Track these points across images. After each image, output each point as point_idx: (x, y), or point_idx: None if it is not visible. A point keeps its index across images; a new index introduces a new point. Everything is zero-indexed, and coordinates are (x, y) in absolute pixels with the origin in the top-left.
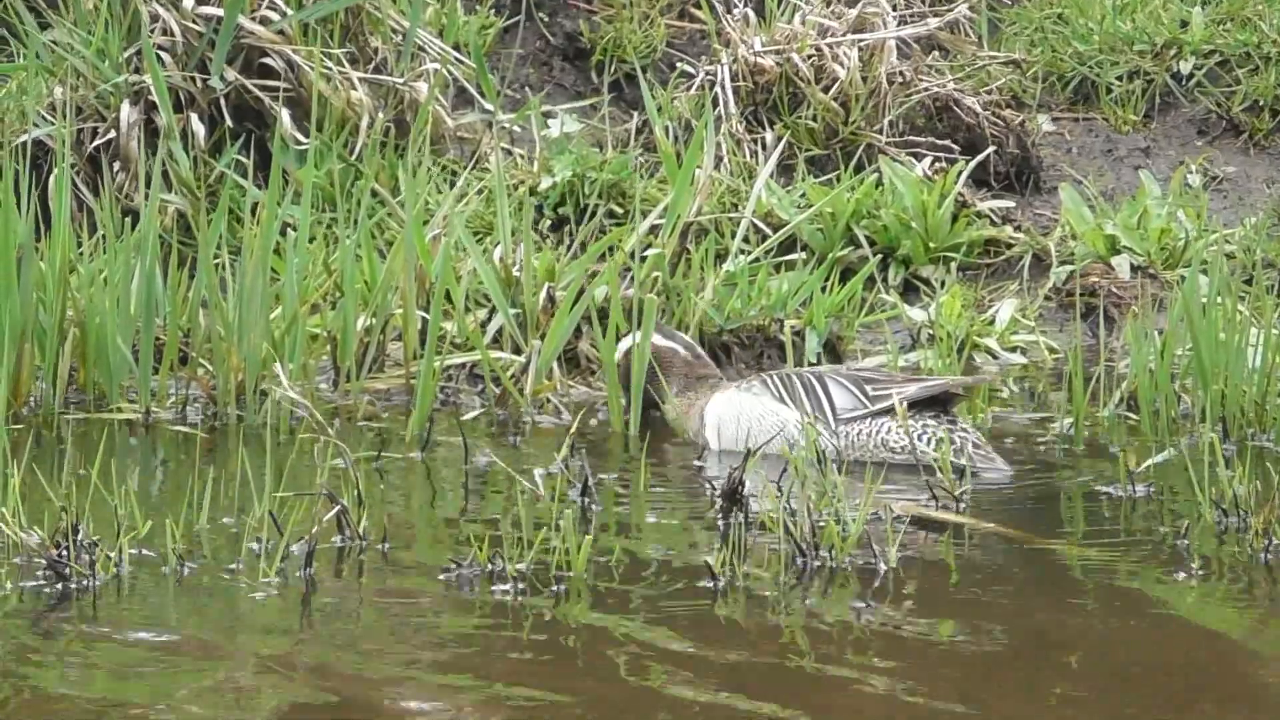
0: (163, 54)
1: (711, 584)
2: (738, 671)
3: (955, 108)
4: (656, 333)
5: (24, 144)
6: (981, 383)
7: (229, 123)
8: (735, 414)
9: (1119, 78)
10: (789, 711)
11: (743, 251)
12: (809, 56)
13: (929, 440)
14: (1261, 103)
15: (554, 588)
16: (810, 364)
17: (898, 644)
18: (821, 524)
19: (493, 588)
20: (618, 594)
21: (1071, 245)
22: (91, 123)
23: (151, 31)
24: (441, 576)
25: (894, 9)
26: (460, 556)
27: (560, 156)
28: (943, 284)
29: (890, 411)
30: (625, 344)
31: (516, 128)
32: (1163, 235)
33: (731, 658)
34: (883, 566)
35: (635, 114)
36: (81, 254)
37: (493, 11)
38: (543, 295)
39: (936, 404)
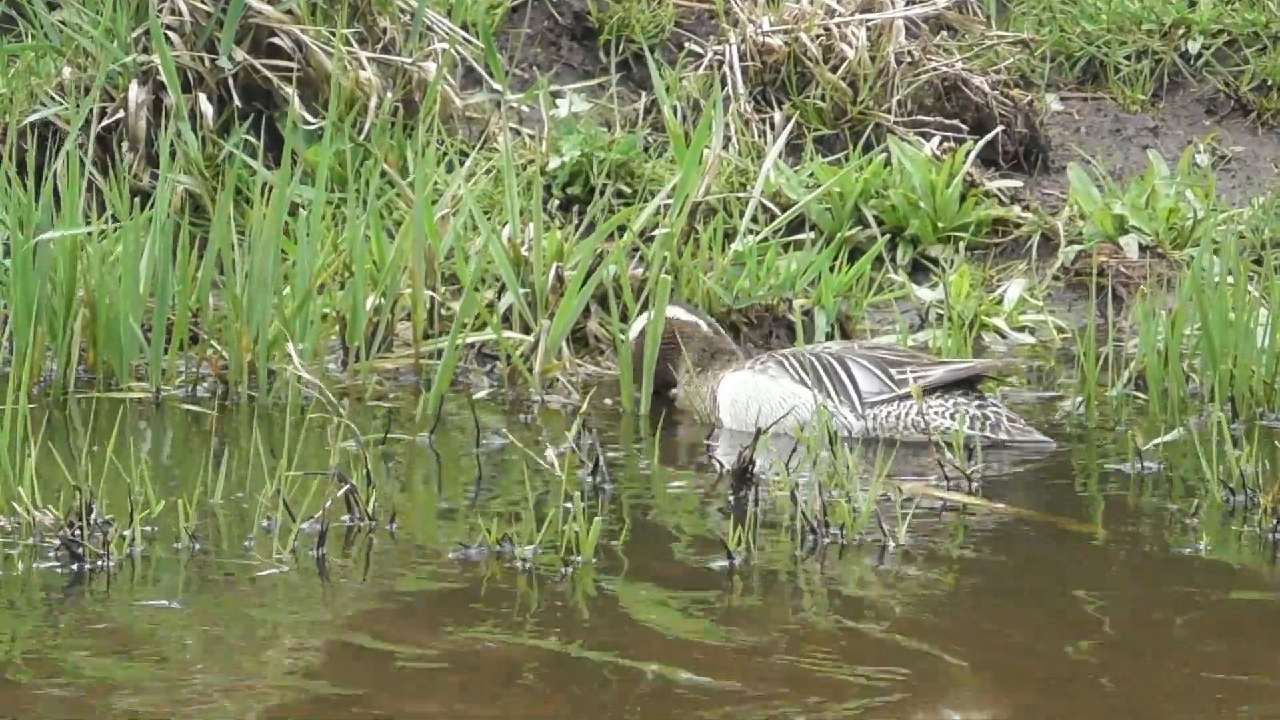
0: (171, 34)
1: (725, 563)
2: (752, 650)
3: (963, 87)
4: (679, 307)
5: (33, 124)
6: (1010, 365)
7: (237, 103)
8: (751, 395)
9: (1127, 57)
10: (802, 687)
11: (751, 231)
12: (817, 36)
13: (964, 419)
14: (1270, 82)
15: (563, 569)
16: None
17: (907, 621)
18: (831, 501)
19: (502, 568)
20: (629, 574)
21: (1080, 225)
22: (100, 103)
23: (159, 11)
24: (450, 556)
25: None
26: (469, 538)
27: (568, 136)
28: (951, 264)
29: (921, 393)
30: (639, 324)
31: (525, 107)
32: (1171, 215)
33: (745, 636)
34: (891, 545)
35: (643, 94)
36: (91, 234)
37: None
38: (551, 275)
39: (963, 383)
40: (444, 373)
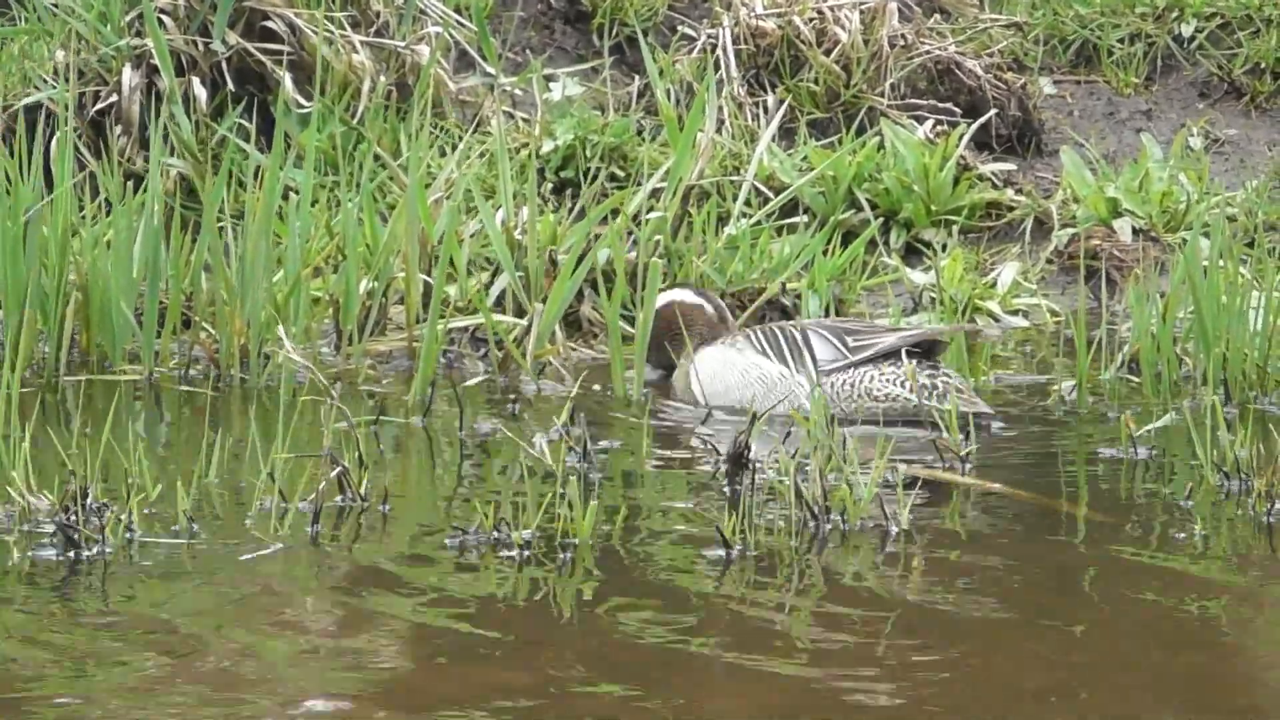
0: (164, 17)
1: (722, 550)
2: (756, 638)
3: (957, 71)
4: (686, 289)
5: (26, 108)
6: (961, 330)
7: (231, 86)
8: (719, 369)
9: (1120, 40)
10: (807, 674)
11: (744, 215)
12: (810, 19)
13: (910, 385)
14: (1263, 65)
15: (560, 555)
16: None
17: (911, 607)
18: (833, 486)
19: (498, 555)
20: (623, 561)
21: (1073, 208)
22: (93, 86)
23: None
24: (447, 542)
25: None
26: (465, 523)
27: (562, 120)
28: (944, 247)
29: (871, 361)
30: (665, 298)
31: (518, 91)
32: (1164, 198)
33: (748, 624)
34: (894, 529)
35: (637, 77)
36: (84, 218)
37: None
38: (545, 259)
39: (921, 353)
40: (427, 360)
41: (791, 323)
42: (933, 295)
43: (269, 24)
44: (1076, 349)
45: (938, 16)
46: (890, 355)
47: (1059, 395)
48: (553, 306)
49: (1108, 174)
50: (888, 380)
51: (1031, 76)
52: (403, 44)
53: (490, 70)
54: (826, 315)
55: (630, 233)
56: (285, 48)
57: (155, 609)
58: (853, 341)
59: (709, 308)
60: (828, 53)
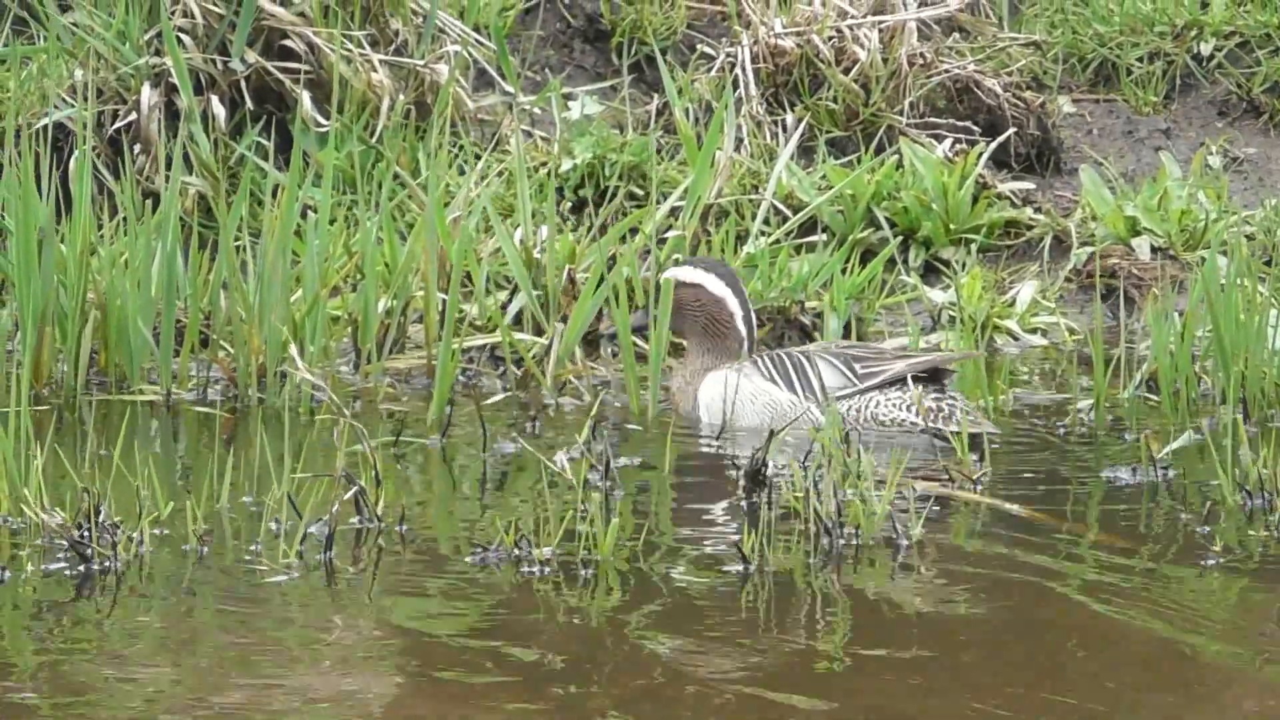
0: (183, 36)
1: (741, 566)
2: (770, 654)
3: (976, 89)
4: (719, 278)
5: (45, 126)
6: (968, 357)
7: (249, 105)
8: (725, 393)
9: (1139, 59)
10: (819, 695)
11: (763, 233)
12: (829, 38)
13: (917, 411)
14: None
15: (582, 573)
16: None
17: (922, 623)
18: (847, 501)
19: (520, 571)
20: (646, 577)
21: (1092, 227)
22: (112, 105)
23: (172, 14)
24: (469, 560)
25: None
26: (487, 541)
27: (581, 138)
28: (963, 266)
29: (878, 388)
30: (678, 273)
31: (537, 110)
32: (1183, 217)
33: (763, 640)
34: (904, 543)
35: (655, 96)
36: (102, 236)
37: None
38: (564, 278)
39: (928, 379)
40: (443, 379)
41: (799, 349)
42: (951, 314)
43: (288, 43)
44: (1095, 367)
45: (957, 35)
46: (897, 382)
47: (1077, 414)
48: (574, 326)
49: (1126, 193)
50: (894, 405)
51: (1050, 95)
52: (421, 63)
53: (509, 89)
54: (845, 336)
55: (649, 251)
56: (304, 66)
57: (159, 628)
58: (860, 368)
59: (739, 313)
60: (846, 71)
